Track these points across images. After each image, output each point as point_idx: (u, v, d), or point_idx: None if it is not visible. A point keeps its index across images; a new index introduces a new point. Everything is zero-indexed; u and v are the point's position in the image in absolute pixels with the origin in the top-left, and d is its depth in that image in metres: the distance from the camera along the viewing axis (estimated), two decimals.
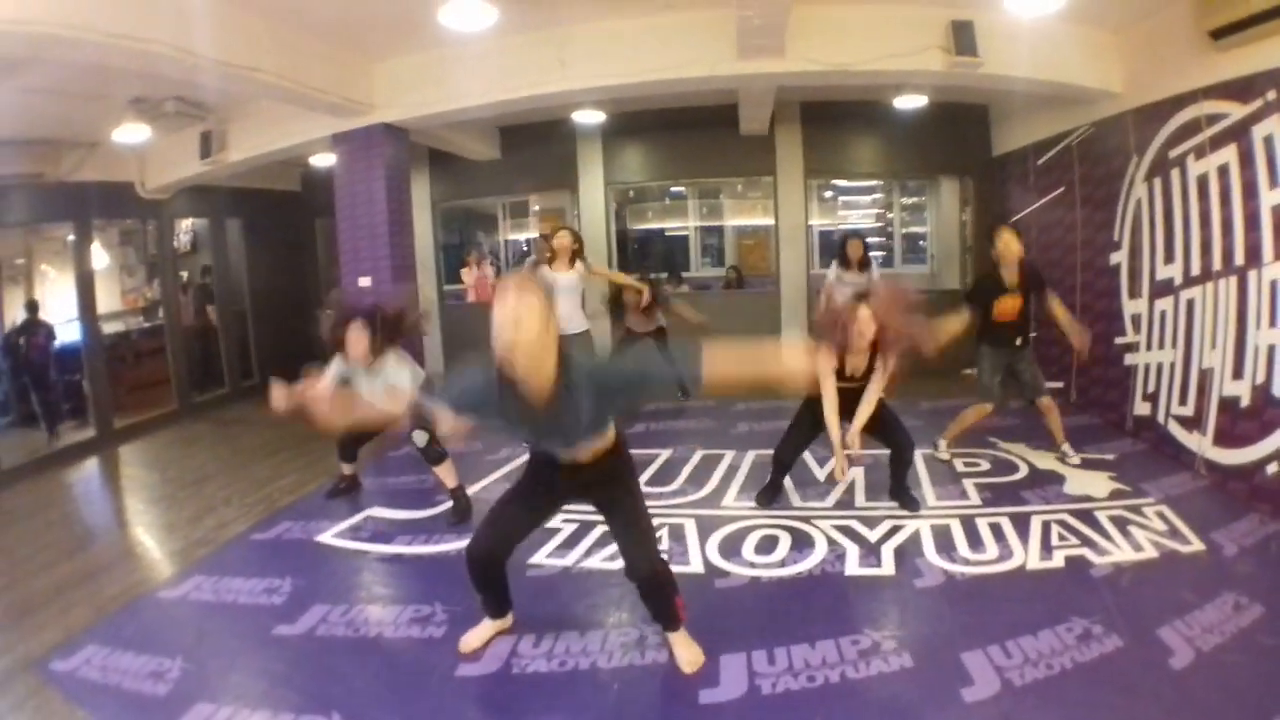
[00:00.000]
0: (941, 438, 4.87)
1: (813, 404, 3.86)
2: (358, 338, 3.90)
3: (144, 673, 2.76)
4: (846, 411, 3.79)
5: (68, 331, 6.83)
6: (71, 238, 6.68)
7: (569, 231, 5.63)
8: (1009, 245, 4.42)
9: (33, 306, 6.86)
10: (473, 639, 2.85)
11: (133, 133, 5.75)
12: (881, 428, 3.92)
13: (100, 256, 7.29)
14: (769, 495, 4.19)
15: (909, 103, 7.02)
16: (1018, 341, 4.56)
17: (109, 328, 7.23)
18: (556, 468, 2.50)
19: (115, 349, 7.35)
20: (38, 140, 6.04)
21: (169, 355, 7.48)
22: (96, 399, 6.65)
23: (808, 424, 3.98)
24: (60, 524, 4.67)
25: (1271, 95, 3.67)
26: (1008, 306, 4.49)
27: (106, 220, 7.36)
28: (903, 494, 4.05)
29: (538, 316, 1.98)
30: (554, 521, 3.96)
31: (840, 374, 3.73)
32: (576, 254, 5.54)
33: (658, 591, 2.61)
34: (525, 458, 2.58)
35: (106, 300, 7.27)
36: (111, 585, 3.59)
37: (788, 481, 4.32)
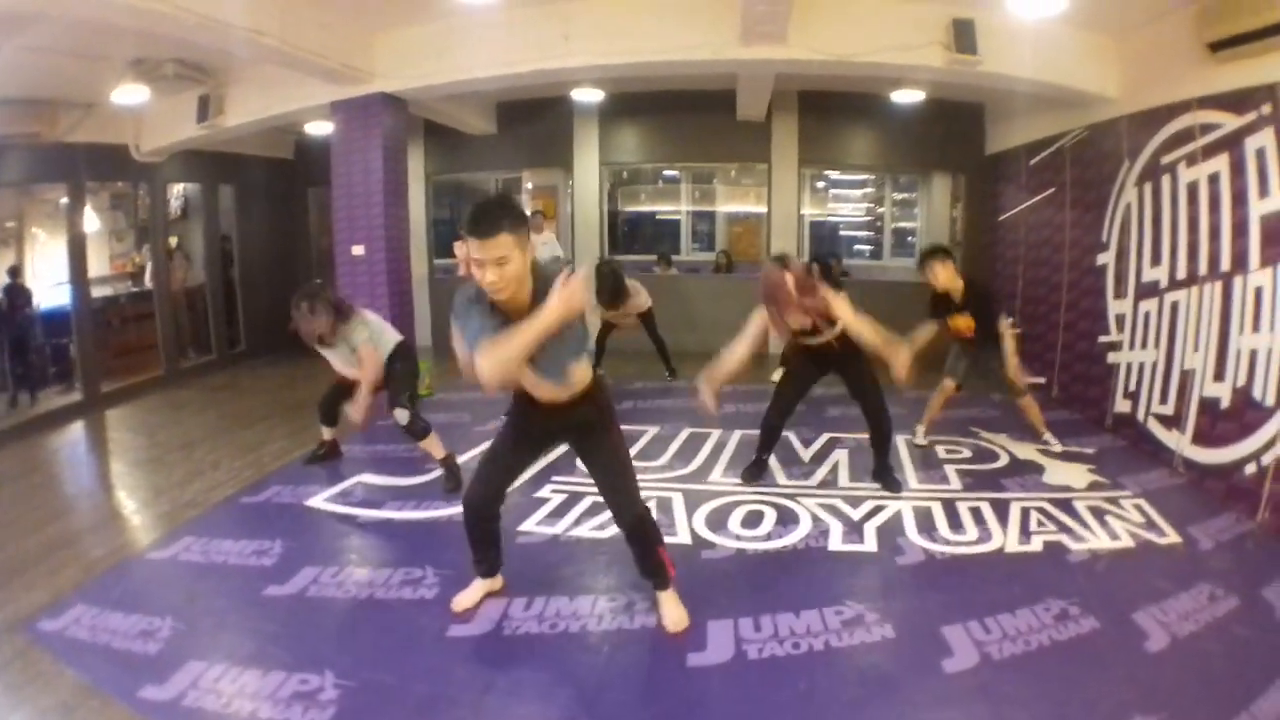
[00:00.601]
0: (919, 424, 4.97)
1: (792, 368, 3.98)
2: (306, 326, 4.04)
3: (133, 632, 2.76)
4: (832, 367, 4.04)
5: (57, 295, 6.76)
6: (65, 200, 6.59)
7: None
8: (936, 276, 4.47)
9: (14, 271, 6.77)
10: (464, 599, 2.90)
11: (131, 94, 5.68)
12: (859, 389, 4.05)
13: (91, 220, 7.21)
14: (754, 472, 4.27)
15: (906, 97, 7.08)
16: (979, 349, 4.66)
17: (97, 292, 7.14)
18: (538, 410, 2.54)
19: (103, 313, 7.28)
20: (36, 99, 5.94)
21: (157, 320, 7.42)
22: (84, 363, 6.58)
23: (791, 387, 4.18)
24: (47, 487, 4.64)
25: (1266, 109, 3.73)
26: (960, 324, 4.57)
27: (99, 183, 7.28)
28: (885, 474, 4.14)
29: (513, 249, 2.11)
30: (543, 491, 4.05)
31: (806, 333, 3.87)
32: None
33: (643, 539, 2.71)
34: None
35: (96, 264, 7.18)
36: (99, 547, 3.58)
37: (773, 460, 4.40)
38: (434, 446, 4.26)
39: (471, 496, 2.74)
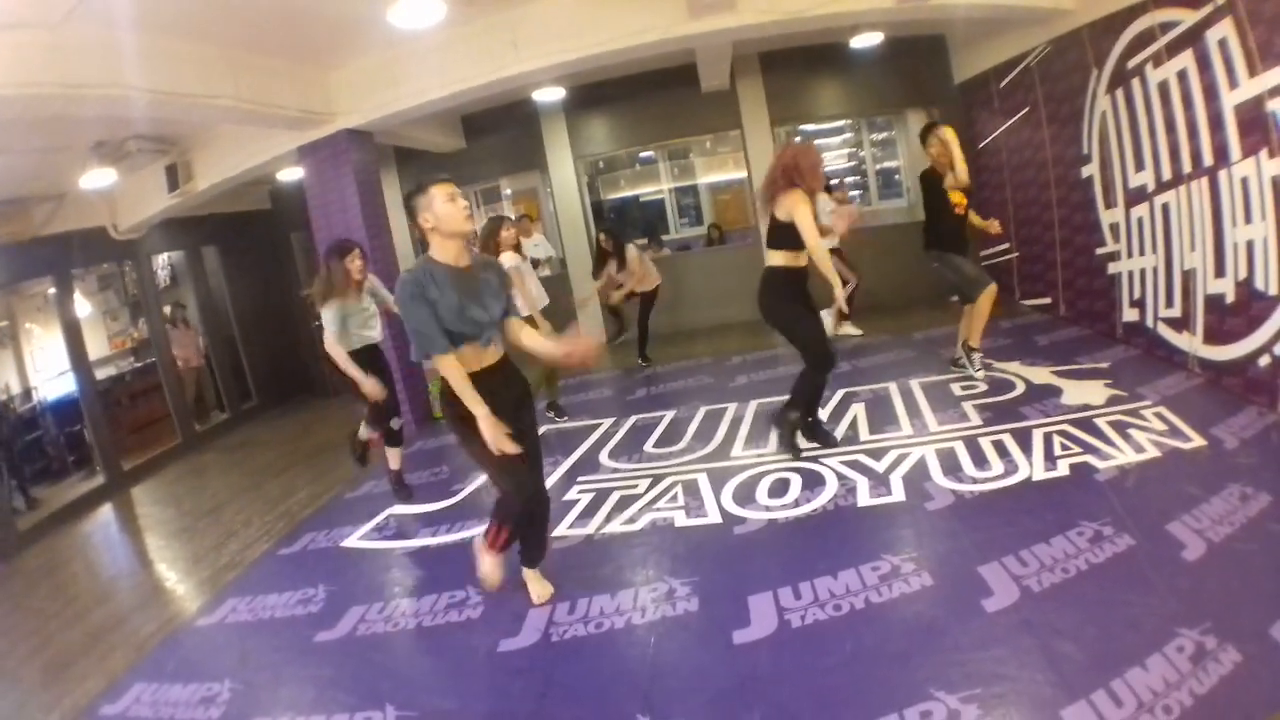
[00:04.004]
0: (965, 341, 4.97)
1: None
2: (361, 263, 4.22)
3: (194, 700, 2.80)
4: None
5: (62, 384, 6.82)
6: (52, 290, 6.65)
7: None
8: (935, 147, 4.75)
9: None
10: (537, 592, 3.03)
11: (99, 177, 5.74)
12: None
13: (82, 305, 7.27)
14: (820, 433, 4.19)
15: (866, 41, 7.03)
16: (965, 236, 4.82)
17: (101, 372, 7.24)
18: (492, 392, 2.65)
19: (111, 393, 7.36)
20: (5, 200, 6.02)
21: (165, 390, 7.50)
22: (100, 445, 6.67)
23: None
24: (85, 574, 4.72)
25: (1221, 0, 3.68)
26: (959, 197, 4.72)
27: (85, 267, 7.34)
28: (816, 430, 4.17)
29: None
30: (571, 494, 4.10)
31: None
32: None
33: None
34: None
35: (95, 346, 7.26)
36: (147, 624, 3.63)
37: None
38: (396, 459, 4.57)
39: (531, 486, 2.79)
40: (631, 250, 6.67)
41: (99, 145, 5.53)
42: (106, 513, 6.10)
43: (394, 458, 4.59)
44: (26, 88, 3.54)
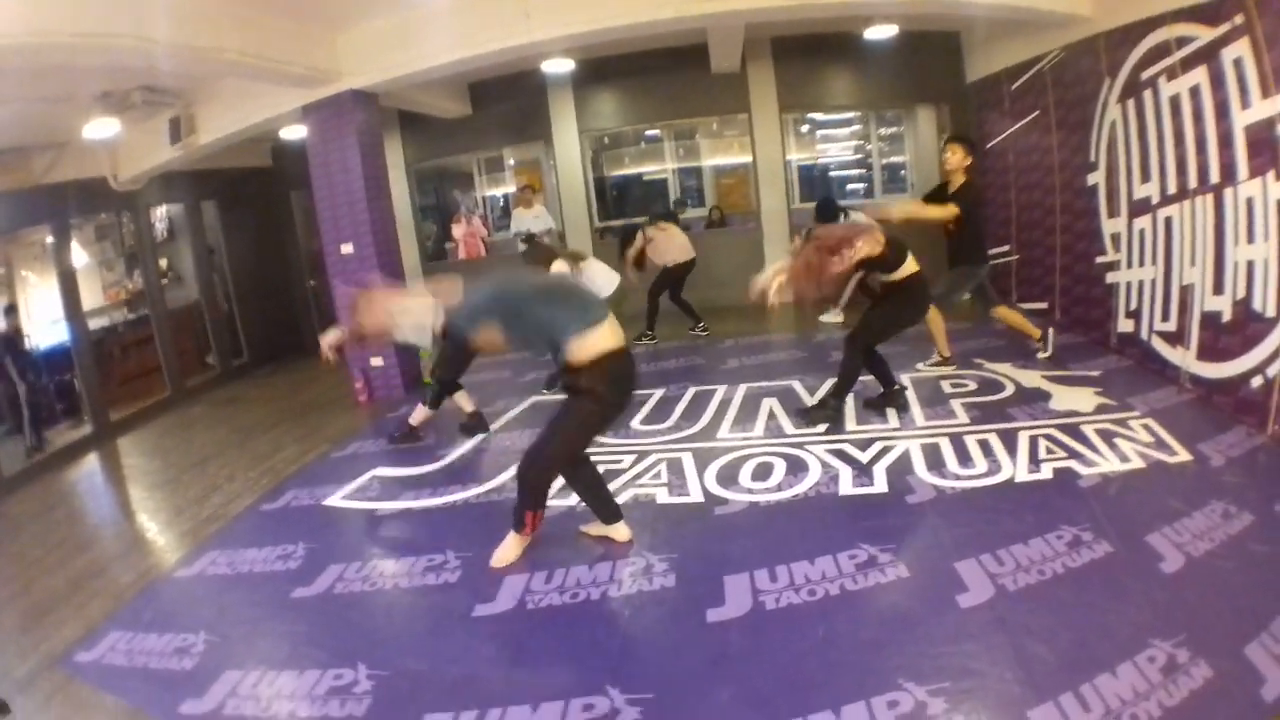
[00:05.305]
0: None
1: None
2: None
3: (169, 651, 2.81)
4: None
5: (55, 332, 6.77)
6: (50, 239, 6.60)
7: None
8: (948, 160, 4.89)
9: (10, 310, 6.76)
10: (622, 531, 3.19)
11: (103, 127, 5.67)
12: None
13: (79, 254, 7.22)
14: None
15: (880, 33, 6.95)
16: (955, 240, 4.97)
17: (95, 323, 7.18)
18: None
19: (103, 344, 7.32)
20: (8, 148, 5.96)
21: (158, 343, 7.46)
22: (90, 395, 6.64)
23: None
24: (67, 522, 4.71)
25: (1239, 19, 3.65)
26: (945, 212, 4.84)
27: (83, 217, 7.27)
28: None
29: None
30: None
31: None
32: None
33: (520, 488, 3.03)
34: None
35: (90, 297, 7.19)
36: (126, 573, 3.63)
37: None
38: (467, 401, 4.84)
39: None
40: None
41: (104, 95, 5.46)
42: (92, 462, 6.08)
43: (466, 401, 4.82)
44: (35, 36, 3.50)
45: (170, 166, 6.98)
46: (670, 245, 6.76)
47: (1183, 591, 2.46)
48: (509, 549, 3.11)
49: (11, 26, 3.40)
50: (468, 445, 4.69)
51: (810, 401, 4.64)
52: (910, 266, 4.10)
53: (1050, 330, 5.17)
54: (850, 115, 9.98)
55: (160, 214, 8.17)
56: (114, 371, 7.32)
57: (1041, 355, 5.09)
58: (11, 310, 6.73)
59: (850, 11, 5.46)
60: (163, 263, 8.04)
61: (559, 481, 3.21)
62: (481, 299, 2.76)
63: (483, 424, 4.89)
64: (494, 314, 2.73)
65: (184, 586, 3.40)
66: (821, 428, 4.25)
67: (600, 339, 2.76)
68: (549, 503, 3.18)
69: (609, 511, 3.18)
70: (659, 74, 8.03)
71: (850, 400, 4.42)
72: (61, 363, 6.77)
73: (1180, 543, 2.72)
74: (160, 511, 4.56)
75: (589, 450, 3.16)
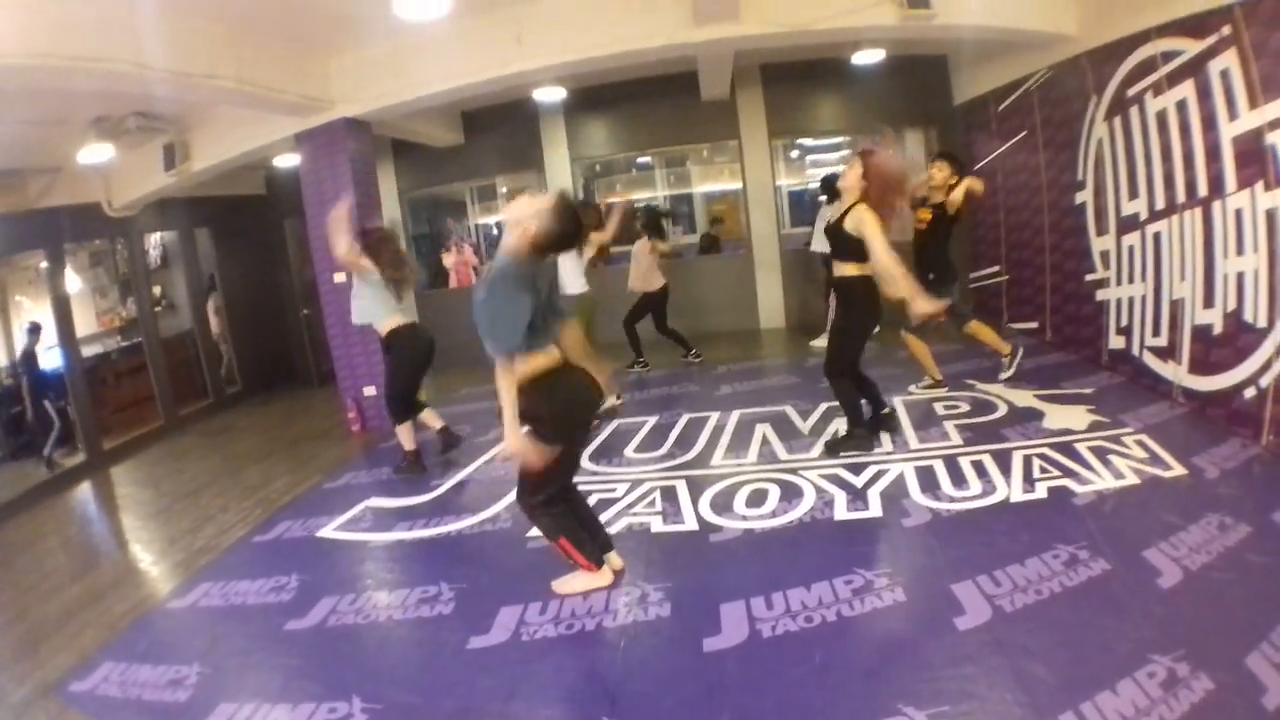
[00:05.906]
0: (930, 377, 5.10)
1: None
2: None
3: (162, 682, 2.79)
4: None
5: (48, 359, 6.76)
6: (44, 264, 6.60)
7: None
8: (933, 176, 4.96)
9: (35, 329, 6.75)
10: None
11: (97, 153, 5.70)
12: None
13: (73, 280, 7.22)
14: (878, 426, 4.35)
15: (867, 58, 7.05)
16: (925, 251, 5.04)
17: (88, 350, 7.16)
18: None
19: (96, 371, 7.30)
20: (2, 170, 5.97)
21: (151, 371, 7.44)
22: (84, 423, 6.60)
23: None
24: (62, 550, 4.67)
25: (1225, 30, 3.71)
26: (922, 214, 4.99)
27: (77, 243, 7.28)
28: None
29: None
30: None
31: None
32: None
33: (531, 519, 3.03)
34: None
35: (83, 323, 7.19)
36: (120, 603, 3.61)
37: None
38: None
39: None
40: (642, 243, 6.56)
41: (99, 120, 5.49)
42: (85, 490, 6.04)
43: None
44: (31, 58, 3.52)
45: (164, 193, 6.99)
46: (636, 268, 6.59)
47: (1181, 605, 2.47)
48: (574, 583, 3.04)
49: (5, 47, 3.42)
50: (460, 475, 4.67)
51: (818, 430, 4.63)
52: (864, 269, 3.96)
53: (1020, 351, 5.19)
54: (839, 140, 10.06)
55: (154, 241, 8.18)
56: (107, 399, 7.29)
57: (1003, 375, 5.10)
58: (36, 330, 6.72)
59: (837, 38, 5.52)
60: (156, 290, 8.04)
61: None
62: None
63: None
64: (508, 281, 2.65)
65: (177, 618, 3.37)
66: (816, 451, 4.26)
67: (541, 359, 2.71)
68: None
69: (598, 543, 3.10)
70: (650, 102, 8.11)
71: (844, 425, 4.41)
72: (56, 388, 6.74)
73: (1177, 557, 2.73)
74: (153, 541, 4.52)
75: (576, 480, 3.12)
